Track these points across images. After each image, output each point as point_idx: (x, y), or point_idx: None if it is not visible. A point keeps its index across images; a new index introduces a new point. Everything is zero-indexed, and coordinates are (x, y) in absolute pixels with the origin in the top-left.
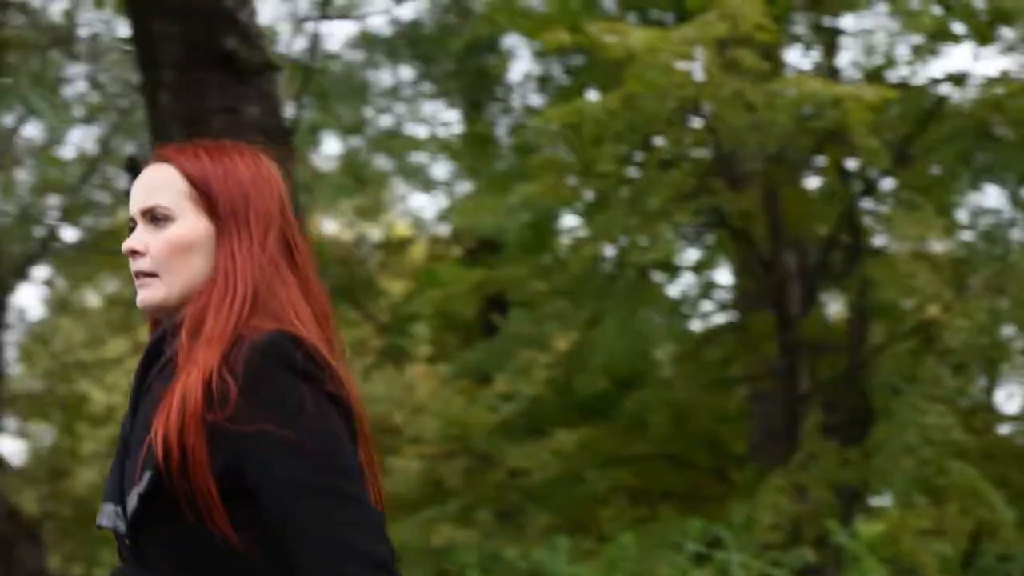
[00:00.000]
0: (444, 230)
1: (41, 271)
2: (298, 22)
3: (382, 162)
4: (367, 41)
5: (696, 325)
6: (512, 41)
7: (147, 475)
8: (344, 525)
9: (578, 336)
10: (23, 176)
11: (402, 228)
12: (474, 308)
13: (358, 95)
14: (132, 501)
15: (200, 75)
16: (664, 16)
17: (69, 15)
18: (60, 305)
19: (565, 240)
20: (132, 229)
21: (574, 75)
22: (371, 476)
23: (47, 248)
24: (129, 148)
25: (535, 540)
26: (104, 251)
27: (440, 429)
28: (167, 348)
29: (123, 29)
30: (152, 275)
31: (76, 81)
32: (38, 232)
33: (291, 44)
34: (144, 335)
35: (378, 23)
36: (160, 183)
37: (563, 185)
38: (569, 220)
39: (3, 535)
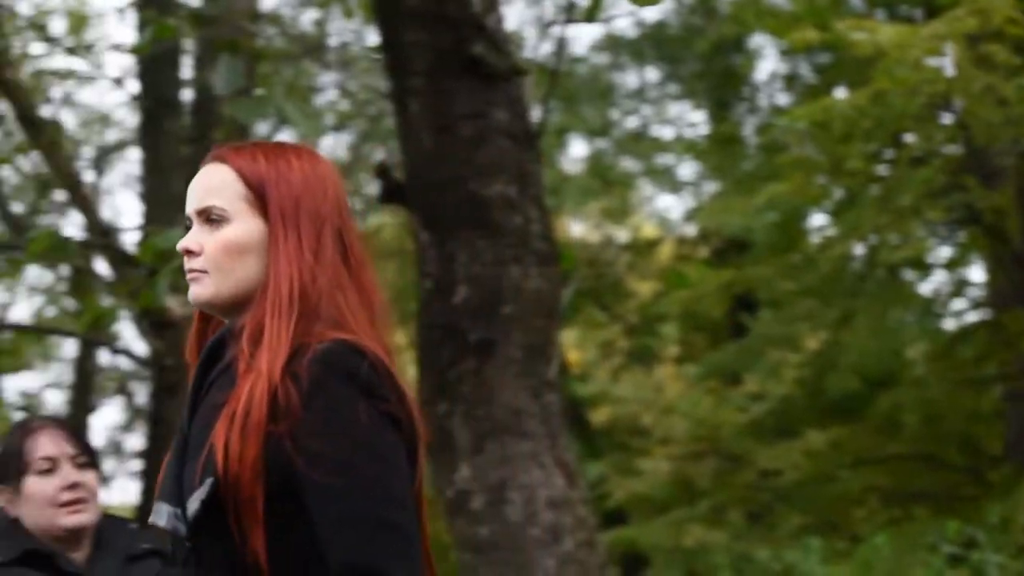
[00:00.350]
0: (691, 230)
1: None
2: (544, 26)
3: (628, 163)
4: (613, 43)
5: (949, 323)
6: (758, 40)
7: (208, 481)
8: (380, 554)
9: (828, 335)
10: None
11: (649, 229)
12: (722, 308)
13: (604, 97)
14: (193, 505)
15: (449, 81)
16: (913, 12)
17: (320, 25)
18: None
19: (814, 239)
20: (188, 228)
21: (821, 73)
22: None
23: None
24: (379, 155)
25: (786, 541)
26: None
27: (689, 430)
28: (226, 352)
29: (373, 37)
30: (204, 272)
31: (327, 90)
32: None
33: (537, 48)
34: (398, 339)
35: (623, 25)
36: (217, 184)
37: (812, 184)
38: (818, 219)
39: None
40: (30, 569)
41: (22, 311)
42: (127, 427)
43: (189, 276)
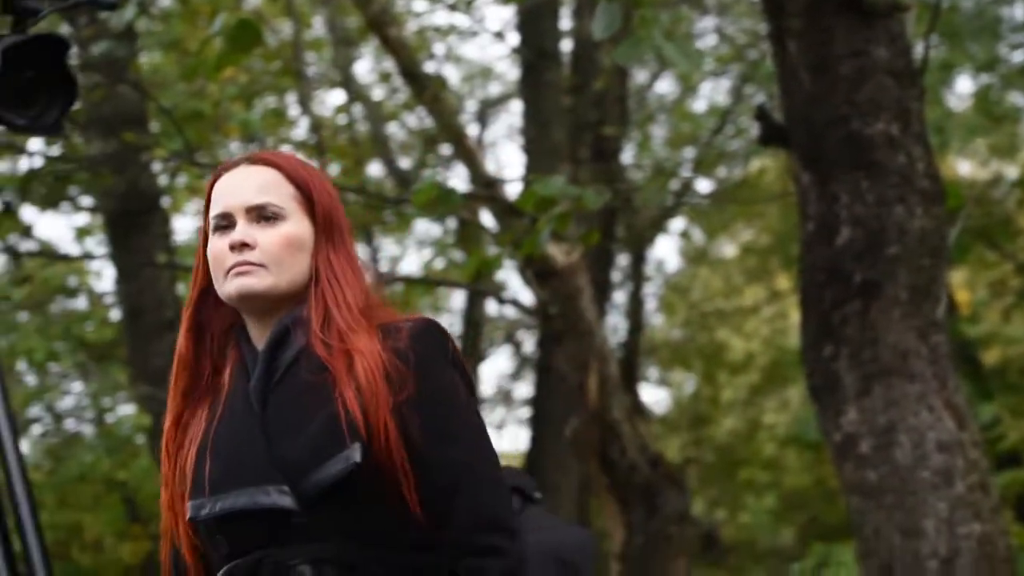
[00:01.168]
0: None
1: (677, 223)
2: None
3: (1016, 98)
4: None
5: None
6: None
7: (356, 447)
8: (494, 502)
9: None
10: (657, 131)
11: None
12: None
13: (990, 31)
14: (318, 477)
15: (827, 20)
16: None
17: None
18: (697, 256)
19: None
20: (223, 226)
21: None
22: None
23: (682, 200)
24: (759, 98)
25: None
26: (738, 201)
27: None
28: (293, 341)
29: None
30: (261, 266)
31: (706, 35)
32: (673, 185)
33: None
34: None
35: None
36: (269, 183)
37: None
38: None
39: (648, 482)
40: None
41: (412, 263)
42: (515, 375)
43: (240, 269)
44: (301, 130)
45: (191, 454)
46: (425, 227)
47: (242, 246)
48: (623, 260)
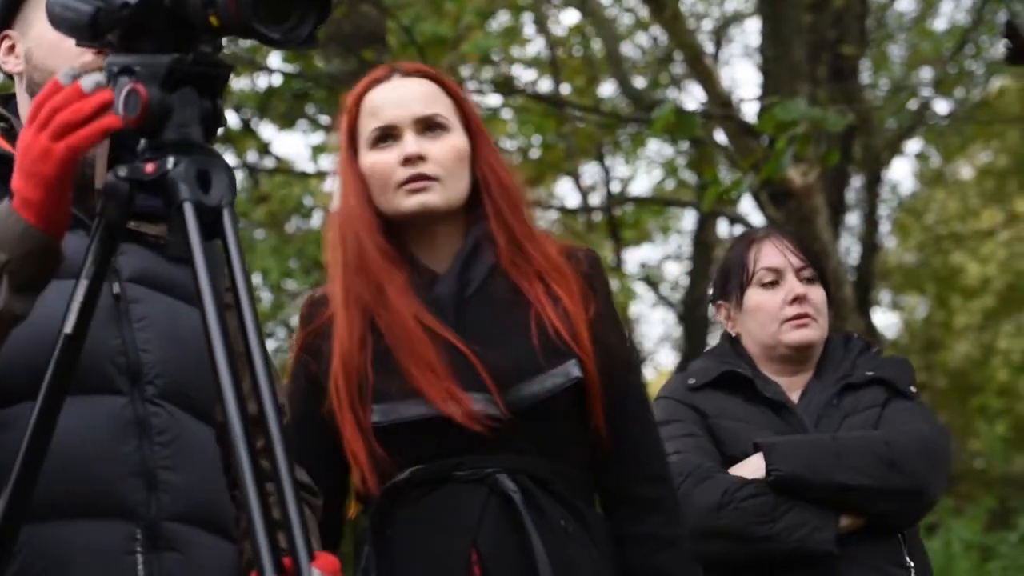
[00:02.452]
0: None
1: (913, 144)
2: None
3: None
4: None
5: None
6: None
7: (563, 368)
8: (657, 441)
9: None
10: (896, 50)
11: None
12: None
13: None
14: (532, 390)
15: None
16: None
17: None
18: (933, 177)
19: None
20: (385, 140)
21: None
22: None
23: (920, 121)
24: (1002, 16)
25: None
26: (977, 121)
27: None
28: (483, 256)
29: None
30: (435, 179)
31: None
32: (911, 105)
33: None
34: (1019, 206)
35: None
36: (432, 95)
37: None
38: None
39: None
40: (723, 392)
41: (642, 184)
42: None
43: (418, 185)
44: (534, 48)
45: (370, 362)
46: (657, 147)
47: (418, 159)
48: (857, 182)
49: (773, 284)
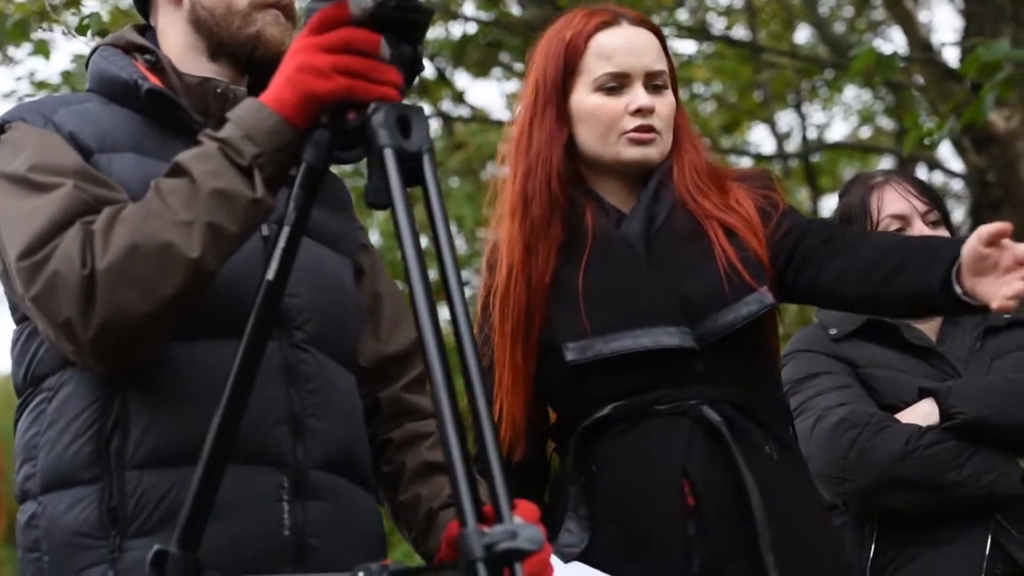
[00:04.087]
0: None
1: None
2: None
3: None
4: None
5: None
6: None
7: (756, 296)
8: None
9: None
10: None
11: None
12: None
13: None
14: (727, 319)
15: None
16: None
17: None
18: None
19: None
20: (614, 86)
21: None
22: None
23: None
24: None
25: None
26: None
27: None
28: (665, 194)
29: None
30: (659, 133)
31: None
32: None
33: None
34: None
35: None
36: (659, 51)
37: None
38: None
39: None
40: (868, 341)
41: (838, 131)
42: None
43: (644, 136)
44: None
45: (562, 300)
46: (854, 94)
47: (650, 111)
48: None
49: (899, 232)
